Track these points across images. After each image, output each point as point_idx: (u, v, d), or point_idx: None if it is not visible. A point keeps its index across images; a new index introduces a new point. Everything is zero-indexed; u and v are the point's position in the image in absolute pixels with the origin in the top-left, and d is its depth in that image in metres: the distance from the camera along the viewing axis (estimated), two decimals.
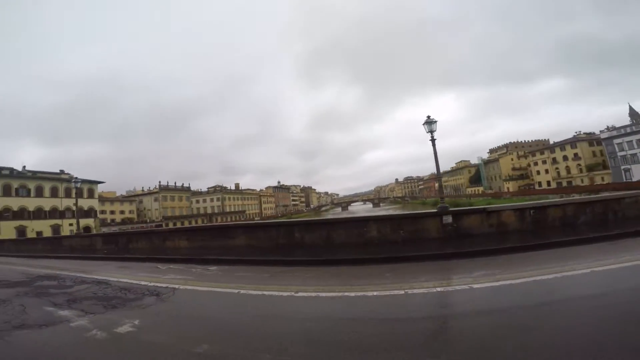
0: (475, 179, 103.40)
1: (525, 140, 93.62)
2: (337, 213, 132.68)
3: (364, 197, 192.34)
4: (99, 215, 72.91)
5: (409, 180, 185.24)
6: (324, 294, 5.51)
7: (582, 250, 7.62)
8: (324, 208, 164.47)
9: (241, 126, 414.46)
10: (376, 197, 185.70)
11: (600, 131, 69.05)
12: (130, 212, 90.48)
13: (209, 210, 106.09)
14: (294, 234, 11.32)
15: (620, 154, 62.62)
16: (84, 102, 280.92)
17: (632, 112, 77.77)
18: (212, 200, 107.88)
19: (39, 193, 57.37)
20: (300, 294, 5.66)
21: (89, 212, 67.52)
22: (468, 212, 10.98)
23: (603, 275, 5.20)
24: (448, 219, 10.13)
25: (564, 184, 72.86)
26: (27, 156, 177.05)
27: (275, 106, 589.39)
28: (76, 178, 21.34)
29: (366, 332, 3.70)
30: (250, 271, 8.59)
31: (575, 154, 71.35)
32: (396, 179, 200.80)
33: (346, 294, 5.42)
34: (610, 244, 7.87)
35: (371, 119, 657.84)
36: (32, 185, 56.55)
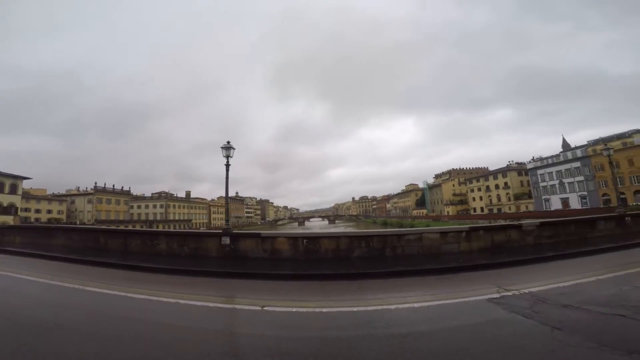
0: (421, 202, 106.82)
1: (466, 168, 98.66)
2: (293, 227, 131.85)
3: (322, 214, 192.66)
4: (21, 213, 67.32)
5: (364, 199, 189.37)
6: None
7: (353, 285, 7.24)
8: (280, 222, 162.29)
9: (203, 132, 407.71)
10: (334, 214, 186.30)
11: (528, 162, 74.01)
12: (59, 212, 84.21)
13: (151, 217, 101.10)
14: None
15: (542, 184, 67.27)
16: (35, 94, 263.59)
17: (564, 144, 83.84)
18: (154, 206, 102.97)
19: None
20: None
21: (8, 209, 62.47)
22: (245, 236, 11.49)
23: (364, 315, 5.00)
24: (226, 240, 10.60)
25: (495, 210, 76.81)
26: None
27: (241, 115, 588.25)
28: None
29: None
30: None
31: (505, 183, 75.89)
32: (353, 198, 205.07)
33: None
34: (385, 281, 7.58)
35: (337, 136, 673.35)
36: None
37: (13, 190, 65.58)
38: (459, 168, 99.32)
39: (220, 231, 10.80)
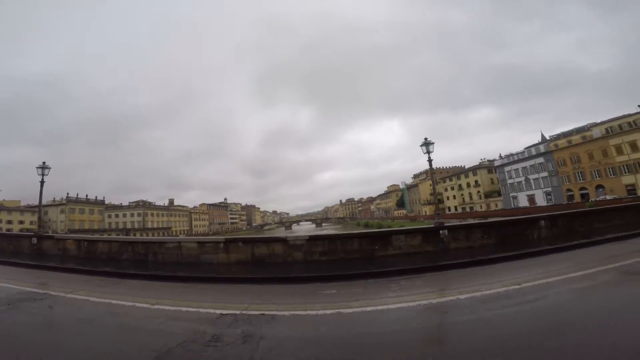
0: (401, 203, 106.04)
1: (443, 167, 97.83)
2: (278, 232, 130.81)
3: (310, 217, 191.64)
4: None
5: (350, 202, 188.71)
6: None
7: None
8: (267, 227, 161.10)
9: (190, 140, 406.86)
10: (323, 217, 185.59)
11: (495, 159, 73.41)
12: (31, 222, 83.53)
13: (129, 225, 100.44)
14: None
15: (509, 181, 66.67)
16: (17, 102, 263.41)
17: (543, 140, 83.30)
18: (132, 215, 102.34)
19: None
20: None
21: None
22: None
23: None
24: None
25: (467, 209, 76.12)
26: None
27: (228, 122, 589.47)
28: None
29: None
30: None
31: (476, 181, 75.24)
32: (340, 201, 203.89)
33: None
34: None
35: (324, 140, 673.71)
36: None
37: None
38: (436, 167, 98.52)
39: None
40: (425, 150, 12.26)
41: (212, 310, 5.17)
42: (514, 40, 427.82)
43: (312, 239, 9.64)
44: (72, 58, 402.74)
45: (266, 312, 5.01)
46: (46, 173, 13.07)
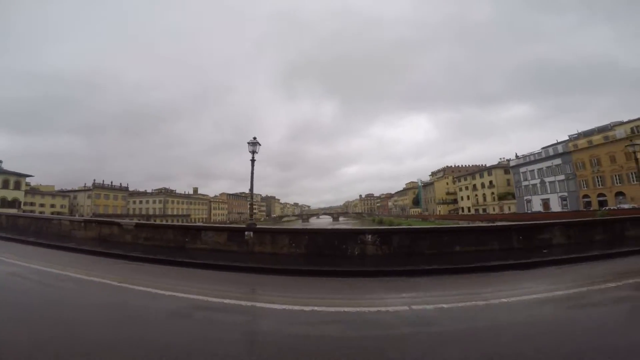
0: (417, 201, 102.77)
1: (462, 165, 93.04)
2: (295, 224, 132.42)
3: (332, 211, 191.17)
4: (27, 207, 74.58)
5: (369, 197, 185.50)
6: None
7: None
8: (285, 218, 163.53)
9: (217, 132, 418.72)
10: (343, 211, 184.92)
11: (510, 159, 68.49)
12: (62, 206, 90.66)
13: (151, 212, 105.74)
14: None
15: (524, 183, 62.10)
16: (55, 97, 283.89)
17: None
18: (154, 202, 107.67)
19: None
20: None
21: (13, 203, 69.71)
22: None
23: None
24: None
25: (481, 211, 72.12)
26: None
27: (253, 115, 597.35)
28: None
29: None
30: None
31: (491, 182, 70.86)
32: (360, 195, 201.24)
33: None
34: None
35: (349, 134, 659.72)
36: None
37: (17, 186, 72.35)
38: (454, 166, 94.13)
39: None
40: (250, 150, 11.55)
41: None
42: (547, 32, 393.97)
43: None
44: (101, 55, 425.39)
45: None
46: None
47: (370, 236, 8.83)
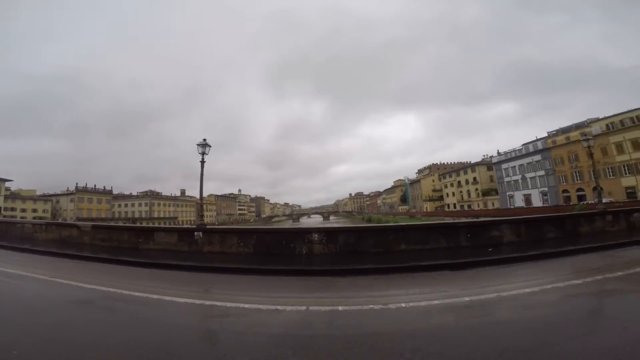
0: (404, 198, 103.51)
1: (448, 162, 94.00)
2: (285, 224, 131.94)
3: (321, 211, 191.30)
4: (7, 212, 72.67)
5: (359, 196, 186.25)
6: None
7: None
8: (275, 219, 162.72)
9: (206, 132, 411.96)
10: (334, 210, 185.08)
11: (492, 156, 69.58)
12: (44, 211, 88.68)
13: (137, 215, 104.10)
14: None
15: (506, 179, 63.10)
16: (40, 97, 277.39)
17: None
18: (140, 205, 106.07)
19: None
20: None
21: None
22: None
23: None
24: None
25: (466, 207, 73.05)
26: None
27: (242, 115, 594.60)
28: None
29: None
30: None
31: (474, 178, 71.78)
32: (350, 194, 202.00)
33: None
34: None
35: (338, 133, 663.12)
36: None
37: None
38: (440, 163, 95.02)
39: None
40: (200, 151, 11.31)
41: None
42: (534, 32, 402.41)
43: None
44: (89, 54, 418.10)
45: None
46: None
47: (317, 235, 8.83)
